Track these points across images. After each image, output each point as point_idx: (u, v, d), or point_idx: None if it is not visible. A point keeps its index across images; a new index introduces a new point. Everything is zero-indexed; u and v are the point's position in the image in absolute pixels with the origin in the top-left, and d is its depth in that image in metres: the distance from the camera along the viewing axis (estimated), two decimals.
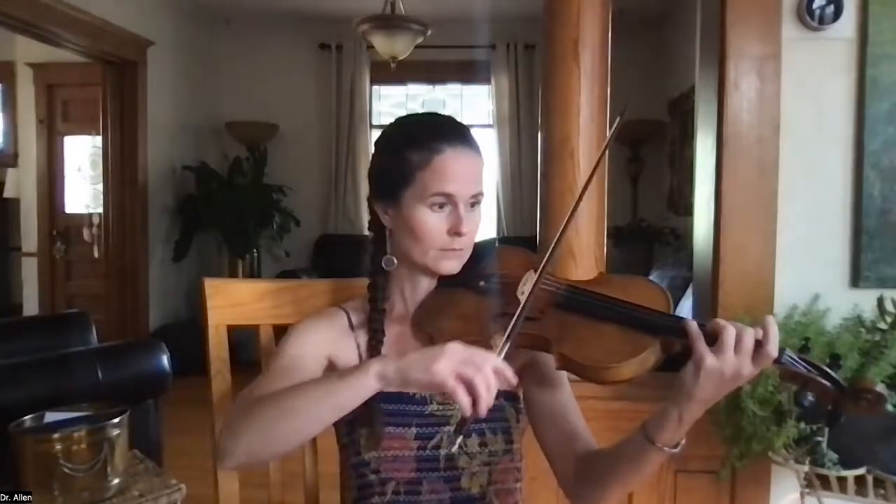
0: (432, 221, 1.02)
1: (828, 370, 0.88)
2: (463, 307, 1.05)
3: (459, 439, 0.84)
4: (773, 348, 0.85)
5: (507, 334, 0.91)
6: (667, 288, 1.05)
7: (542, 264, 0.97)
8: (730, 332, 0.85)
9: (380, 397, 1.01)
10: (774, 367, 0.88)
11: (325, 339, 1.06)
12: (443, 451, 1.02)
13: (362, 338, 1.07)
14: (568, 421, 1.09)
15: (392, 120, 1.12)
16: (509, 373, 0.83)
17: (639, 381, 0.93)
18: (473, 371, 0.80)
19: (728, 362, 0.85)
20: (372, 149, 1.13)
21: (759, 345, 0.85)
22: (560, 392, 1.11)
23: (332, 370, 1.05)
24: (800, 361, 0.88)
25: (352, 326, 1.09)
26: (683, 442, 0.93)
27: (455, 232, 1.02)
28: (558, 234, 1.00)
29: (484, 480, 1.04)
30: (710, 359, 0.85)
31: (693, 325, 0.88)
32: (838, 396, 0.87)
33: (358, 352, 1.07)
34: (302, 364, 1.00)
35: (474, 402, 0.80)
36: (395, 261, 1.08)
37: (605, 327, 0.95)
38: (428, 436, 1.02)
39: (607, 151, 1.11)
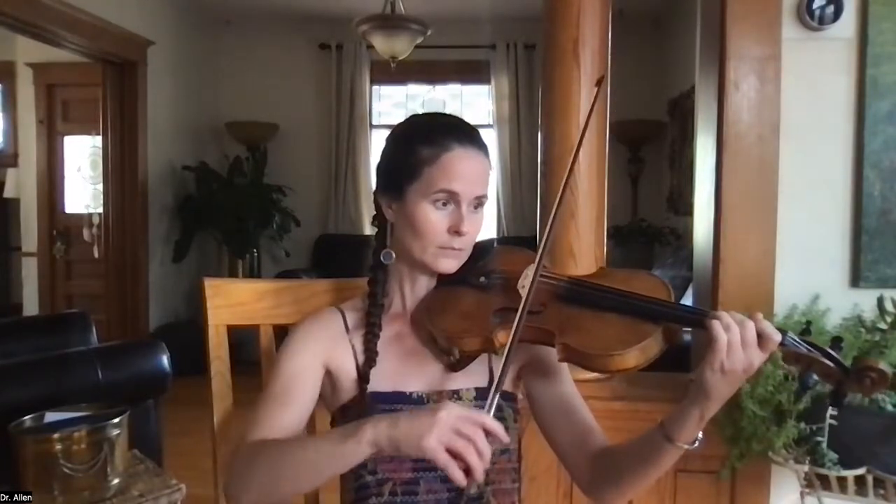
0: (434, 218, 1.02)
1: (830, 351, 0.89)
2: (463, 304, 1.06)
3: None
4: (772, 331, 0.87)
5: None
6: (666, 280, 1.05)
7: (541, 250, 0.98)
8: (734, 333, 0.86)
9: (375, 397, 1.02)
10: (778, 350, 0.89)
11: (321, 348, 1.07)
12: None
13: (358, 340, 1.07)
14: (577, 416, 1.09)
15: (392, 120, 1.13)
16: (501, 432, 0.83)
17: (638, 371, 0.93)
18: (464, 444, 0.80)
19: (739, 360, 0.86)
20: (372, 149, 1.14)
21: (760, 333, 0.87)
22: (563, 385, 1.11)
23: (329, 380, 1.07)
24: (802, 343, 0.89)
25: (347, 329, 1.09)
26: (701, 436, 0.94)
27: (455, 231, 1.03)
28: (551, 220, 1.01)
29: (481, 480, 1.03)
30: (726, 362, 0.86)
31: (722, 334, 0.87)
32: (842, 377, 0.88)
33: (353, 355, 1.07)
34: (298, 385, 1.03)
35: (468, 472, 0.80)
36: (394, 255, 1.09)
37: (607, 316, 0.96)
38: None
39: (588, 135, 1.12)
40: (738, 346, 0.86)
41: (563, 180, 1.07)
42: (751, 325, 0.87)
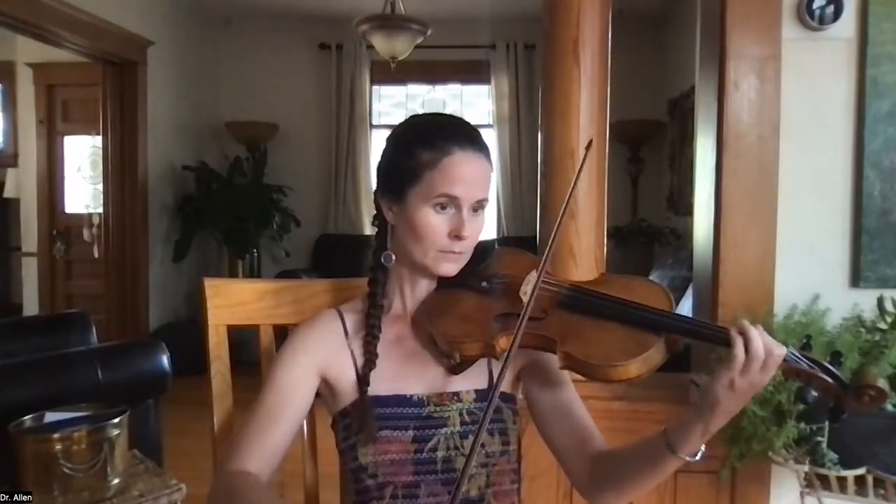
0: (434, 222, 1.02)
1: (829, 367, 0.89)
2: (464, 307, 1.05)
3: None
4: (777, 349, 0.87)
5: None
6: (666, 288, 1.05)
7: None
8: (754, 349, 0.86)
9: (375, 401, 1.02)
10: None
11: (317, 356, 1.06)
12: (440, 454, 1.02)
13: (357, 344, 1.07)
14: (576, 420, 1.09)
15: (392, 120, 1.13)
16: None
17: (640, 381, 0.93)
18: None
19: (750, 377, 0.86)
20: (372, 149, 1.13)
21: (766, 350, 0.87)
22: (563, 391, 1.11)
23: (328, 387, 1.07)
24: (802, 358, 0.89)
25: (346, 334, 1.09)
26: (704, 449, 0.93)
27: (456, 235, 1.02)
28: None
29: (482, 482, 1.03)
30: (738, 380, 0.86)
31: (741, 348, 0.87)
32: (840, 392, 0.88)
33: (353, 359, 1.07)
34: (290, 396, 1.03)
35: None
36: (394, 257, 1.08)
37: (609, 326, 0.96)
38: (425, 438, 1.02)
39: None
40: (755, 364, 0.86)
41: (564, 202, 1.06)
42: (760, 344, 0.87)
